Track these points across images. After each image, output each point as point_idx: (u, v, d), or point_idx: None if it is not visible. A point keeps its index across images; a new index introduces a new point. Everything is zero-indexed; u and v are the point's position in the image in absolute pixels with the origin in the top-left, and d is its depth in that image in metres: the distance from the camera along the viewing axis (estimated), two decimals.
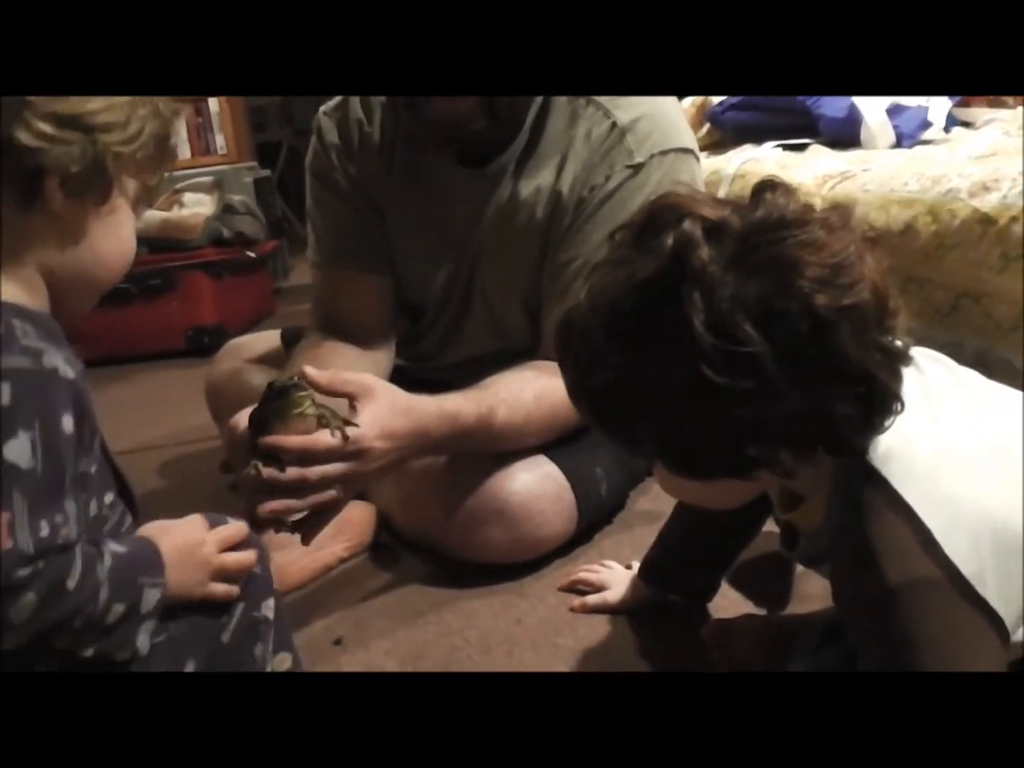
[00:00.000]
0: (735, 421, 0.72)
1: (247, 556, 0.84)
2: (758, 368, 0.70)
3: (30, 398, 0.69)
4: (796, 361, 0.70)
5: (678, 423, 0.75)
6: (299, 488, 1.06)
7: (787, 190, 0.74)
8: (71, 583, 0.68)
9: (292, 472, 1.05)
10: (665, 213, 0.75)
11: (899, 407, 0.74)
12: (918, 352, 0.79)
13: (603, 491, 1.37)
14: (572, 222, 1.31)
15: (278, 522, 1.08)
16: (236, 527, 0.84)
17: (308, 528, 1.11)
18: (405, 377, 1.40)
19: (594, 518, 1.38)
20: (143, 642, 0.74)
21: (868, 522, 0.75)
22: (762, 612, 1.17)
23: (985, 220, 1.35)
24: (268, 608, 0.86)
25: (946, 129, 2.11)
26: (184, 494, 1.74)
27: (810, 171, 1.80)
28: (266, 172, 3.86)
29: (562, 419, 1.31)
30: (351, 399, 1.10)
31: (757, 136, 2.21)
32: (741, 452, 0.75)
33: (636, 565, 1.22)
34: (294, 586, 1.29)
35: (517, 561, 1.31)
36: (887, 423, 0.75)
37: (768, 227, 0.72)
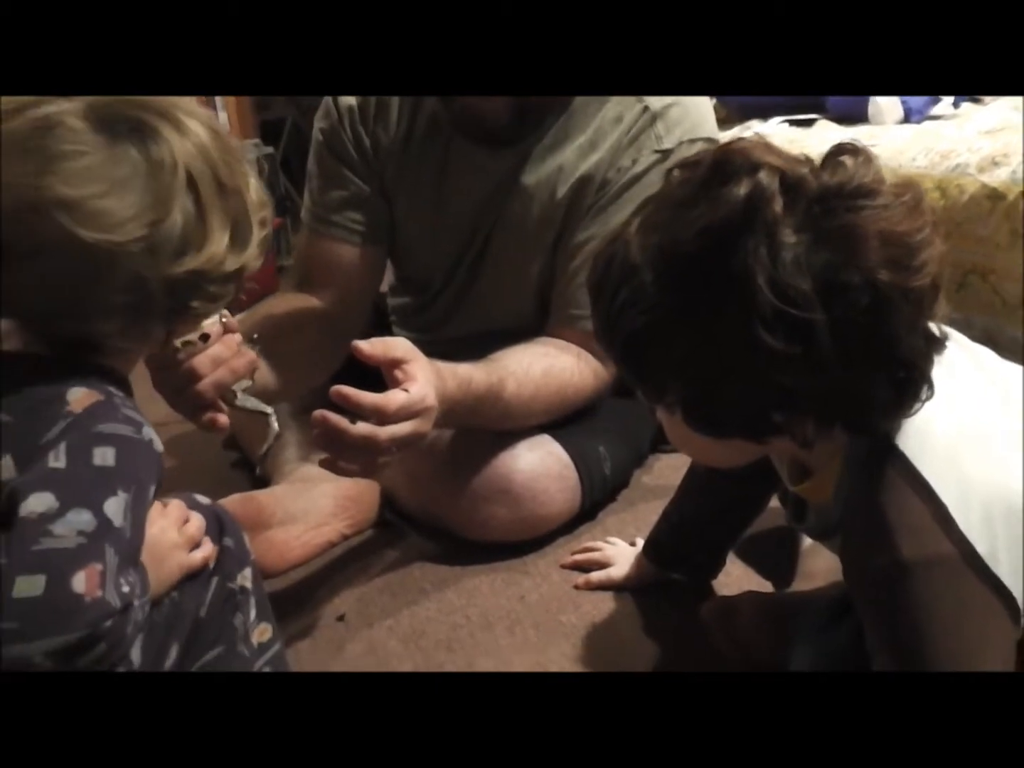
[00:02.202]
0: (772, 385, 0.70)
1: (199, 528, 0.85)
2: (810, 336, 0.68)
3: (131, 464, 0.73)
4: (848, 336, 0.68)
5: (712, 377, 0.73)
6: (364, 447, 1.02)
7: (868, 158, 0.72)
8: (128, 629, 0.70)
9: (363, 427, 1.01)
10: (737, 158, 0.71)
11: (929, 395, 0.73)
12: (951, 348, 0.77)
13: (607, 470, 1.37)
14: (594, 202, 1.30)
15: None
16: (173, 506, 0.84)
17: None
18: None
19: (598, 497, 1.38)
20: (136, 656, 0.76)
21: (884, 496, 0.74)
22: (766, 589, 1.16)
23: (994, 195, 1.34)
24: (245, 578, 0.87)
25: (955, 104, 2.08)
26: (189, 471, 1.73)
27: (817, 147, 1.78)
28: (269, 150, 3.83)
29: (569, 399, 1.30)
30: (400, 363, 1.07)
31: (763, 112, 2.19)
32: (766, 417, 0.73)
33: (640, 542, 1.22)
34: (296, 563, 1.28)
35: (521, 539, 1.31)
36: (915, 409, 0.74)
37: (847, 193, 0.69)
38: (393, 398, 1.03)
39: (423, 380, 1.06)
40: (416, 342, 1.48)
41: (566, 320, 1.35)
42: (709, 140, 1.30)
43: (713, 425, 0.76)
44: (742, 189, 0.69)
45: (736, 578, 1.19)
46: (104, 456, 0.71)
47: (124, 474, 0.72)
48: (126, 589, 0.69)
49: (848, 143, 0.73)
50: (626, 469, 1.45)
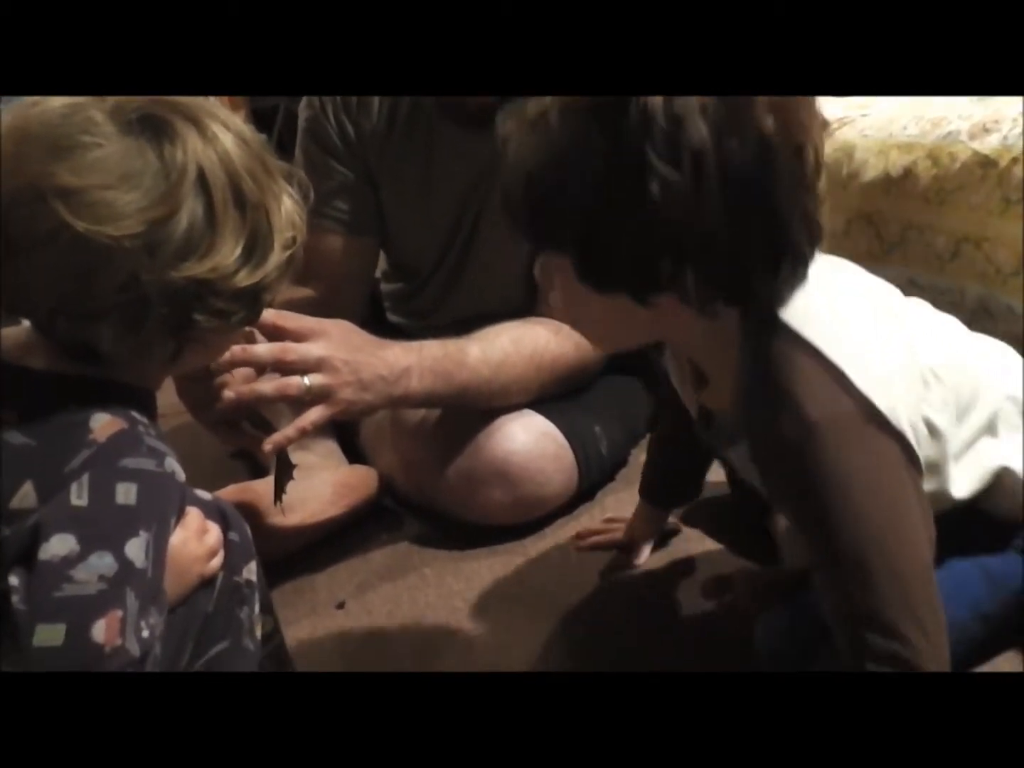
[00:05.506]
0: (659, 225, 0.72)
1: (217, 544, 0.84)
2: (699, 168, 0.70)
3: (152, 500, 0.72)
4: (734, 182, 0.71)
5: (604, 212, 0.74)
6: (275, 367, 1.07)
7: None
8: (147, 670, 0.70)
9: (269, 345, 1.05)
10: None
11: (804, 271, 0.76)
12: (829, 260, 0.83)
13: (603, 449, 1.37)
14: None
15: (252, 420, 1.09)
16: (193, 516, 0.83)
17: (283, 438, 1.09)
18: (403, 335, 1.39)
19: (595, 477, 1.38)
20: (151, 667, 0.75)
21: (780, 367, 0.77)
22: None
23: (986, 162, 1.32)
24: (250, 571, 0.87)
25: None
26: (187, 462, 1.73)
27: None
28: (262, 137, 3.82)
29: (547, 367, 1.30)
30: (301, 339, 1.09)
31: None
32: (653, 263, 0.74)
33: None
34: (294, 550, 1.29)
35: (519, 521, 1.31)
36: (792, 283, 0.77)
37: None
38: (289, 315, 1.09)
39: (323, 341, 1.10)
40: (409, 327, 1.49)
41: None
42: None
43: (602, 271, 0.77)
44: None
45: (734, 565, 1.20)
46: (127, 493, 0.71)
47: (146, 512, 0.71)
48: (146, 634, 0.69)
49: None
50: (623, 448, 1.44)
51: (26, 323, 0.80)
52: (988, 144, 1.33)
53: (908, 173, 1.43)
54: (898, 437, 0.77)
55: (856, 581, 0.75)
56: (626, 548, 1.24)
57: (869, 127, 1.59)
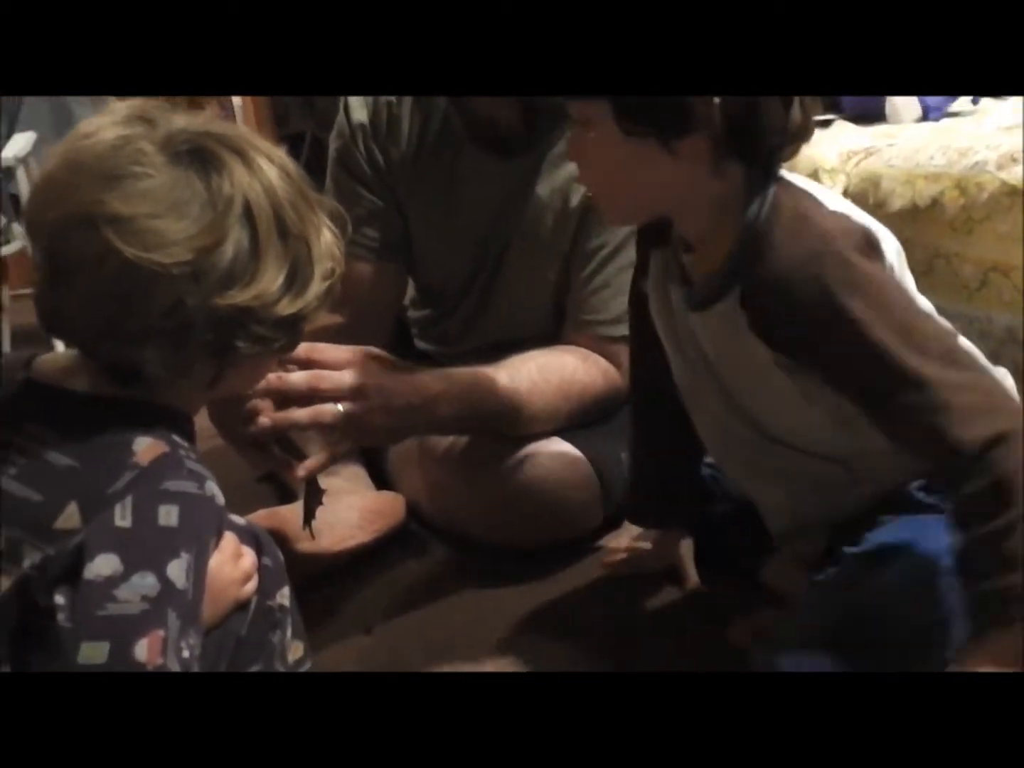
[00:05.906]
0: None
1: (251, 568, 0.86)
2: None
3: (193, 522, 0.74)
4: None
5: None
6: (309, 396, 1.07)
7: None
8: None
9: (304, 373, 1.06)
10: None
11: (805, 130, 0.86)
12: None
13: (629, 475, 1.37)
14: None
15: (282, 445, 1.09)
16: (228, 540, 0.84)
17: (316, 464, 1.11)
18: (430, 362, 1.40)
19: (622, 503, 1.38)
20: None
21: (787, 204, 0.86)
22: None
23: (1013, 192, 1.33)
24: (284, 596, 0.89)
25: (974, 100, 2.06)
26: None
27: (835, 147, 1.78)
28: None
29: (575, 396, 1.31)
30: (332, 367, 1.10)
31: None
32: (683, 101, 0.81)
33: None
34: (320, 575, 1.29)
35: (545, 547, 1.31)
36: (793, 140, 0.86)
37: None
38: (322, 346, 1.10)
39: (354, 369, 1.11)
40: (436, 354, 1.50)
41: (579, 325, 1.35)
42: None
43: (638, 110, 0.82)
44: None
45: None
46: (168, 515, 0.72)
47: (187, 534, 0.73)
48: (186, 654, 0.71)
49: None
50: None
51: (60, 346, 0.81)
52: (1015, 174, 1.34)
53: (935, 203, 1.44)
54: (891, 275, 0.86)
55: (908, 381, 0.79)
56: (666, 574, 1.24)
57: (895, 157, 1.60)
